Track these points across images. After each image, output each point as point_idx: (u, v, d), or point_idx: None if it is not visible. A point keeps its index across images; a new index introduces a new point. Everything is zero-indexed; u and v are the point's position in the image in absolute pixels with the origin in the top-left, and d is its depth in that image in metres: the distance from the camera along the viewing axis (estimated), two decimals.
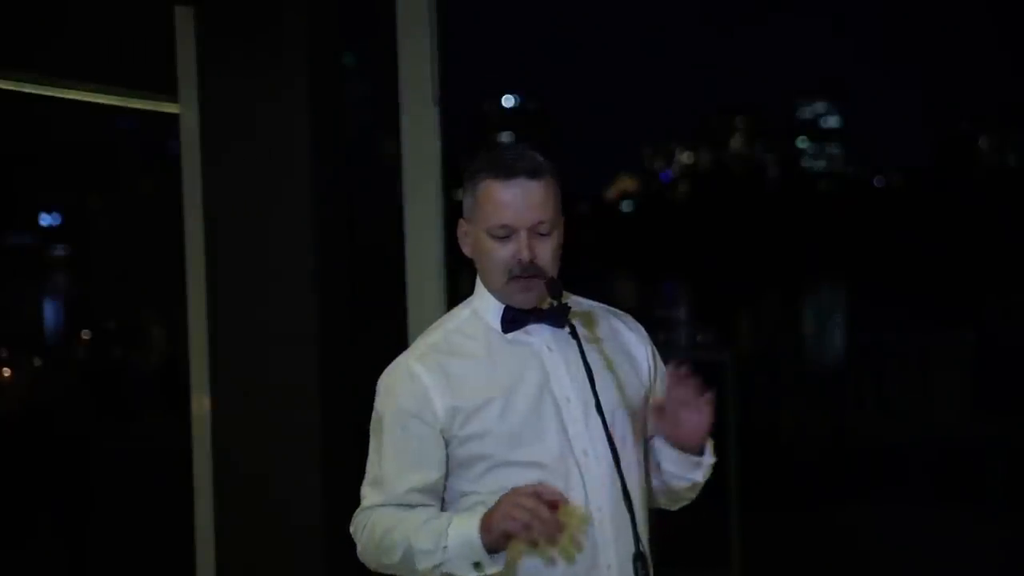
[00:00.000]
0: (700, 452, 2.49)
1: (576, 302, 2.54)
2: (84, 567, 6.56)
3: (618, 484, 2.32)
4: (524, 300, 2.45)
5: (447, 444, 2.42)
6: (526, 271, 2.41)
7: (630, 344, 2.57)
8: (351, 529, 2.49)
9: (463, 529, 2.31)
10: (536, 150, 2.47)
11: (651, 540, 2.52)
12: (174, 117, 4.54)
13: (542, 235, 2.42)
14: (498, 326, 2.47)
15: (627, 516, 2.31)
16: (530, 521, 2.24)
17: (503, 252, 2.42)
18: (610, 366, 2.49)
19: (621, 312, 2.62)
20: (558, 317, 2.43)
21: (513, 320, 2.46)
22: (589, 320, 2.54)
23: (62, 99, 4.76)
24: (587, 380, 2.37)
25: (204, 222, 4.46)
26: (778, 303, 29.06)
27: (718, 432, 2.55)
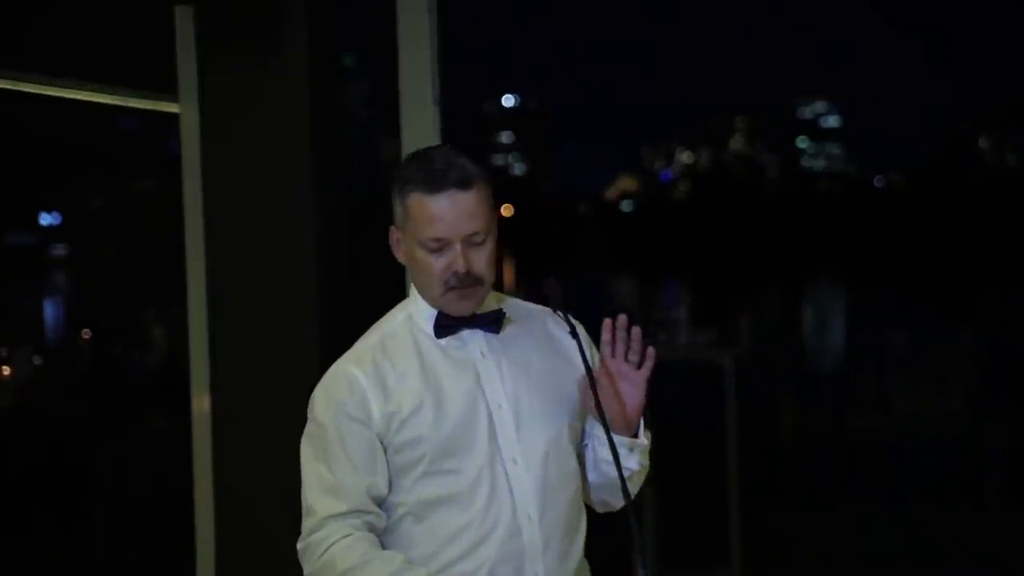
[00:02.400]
0: (633, 433, 2.42)
1: (513, 304, 2.49)
2: (84, 567, 6.55)
3: (552, 493, 2.35)
4: (462, 308, 2.38)
5: (385, 451, 2.36)
6: (463, 282, 2.34)
7: (569, 347, 2.45)
8: (299, 546, 2.39)
9: None
10: (465, 154, 2.37)
11: (653, 542, 2.51)
12: (174, 117, 4.54)
13: (476, 244, 2.35)
14: (431, 331, 2.41)
15: (558, 527, 2.35)
16: None
17: (438, 264, 2.35)
18: (554, 369, 2.44)
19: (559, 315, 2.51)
20: (492, 323, 2.40)
21: (446, 326, 2.40)
22: (532, 322, 2.48)
23: (62, 99, 4.76)
24: (524, 386, 2.38)
25: (204, 222, 4.46)
26: (778, 303, 29.05)
27: (718, 432, 2.54)
